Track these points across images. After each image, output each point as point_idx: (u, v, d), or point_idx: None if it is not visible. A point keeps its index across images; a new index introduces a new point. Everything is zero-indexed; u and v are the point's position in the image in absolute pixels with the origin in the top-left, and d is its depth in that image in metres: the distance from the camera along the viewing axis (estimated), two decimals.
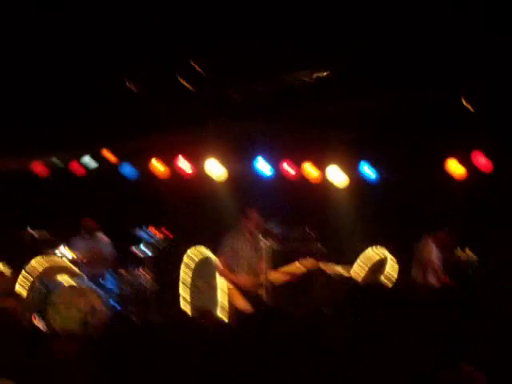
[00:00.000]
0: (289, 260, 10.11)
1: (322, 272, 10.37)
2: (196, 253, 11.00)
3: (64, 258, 10.68)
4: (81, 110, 11.29)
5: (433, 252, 10.07)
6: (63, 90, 10.88)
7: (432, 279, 10.16)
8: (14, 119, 11.24)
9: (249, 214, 9.58)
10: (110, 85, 10.89)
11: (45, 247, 11.03)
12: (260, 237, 9.60)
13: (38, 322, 9.46)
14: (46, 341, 4.81)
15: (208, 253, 10.99)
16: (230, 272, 9.57)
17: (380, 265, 11.14)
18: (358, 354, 3.98)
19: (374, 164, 12.17)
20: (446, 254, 10.27)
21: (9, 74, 10.34)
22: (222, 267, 9.64)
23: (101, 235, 10.87)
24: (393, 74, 10.27)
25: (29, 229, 11.26)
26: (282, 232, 11.06)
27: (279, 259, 9.90)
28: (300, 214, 12.07)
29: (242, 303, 9.35)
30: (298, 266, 9.71)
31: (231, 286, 9.54)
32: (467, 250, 10.94)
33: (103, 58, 10.17)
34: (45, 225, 11.45)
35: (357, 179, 12.23)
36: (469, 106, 10.68)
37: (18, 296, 10.21)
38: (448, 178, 11.59)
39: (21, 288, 10.39)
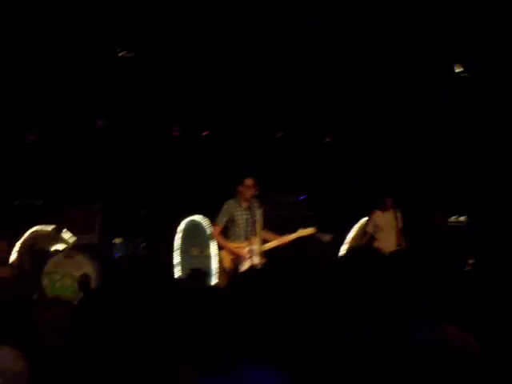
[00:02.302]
0: (283, 227, 10.15)
1: (315, 239, 10.39)
2: (190, 220, 11.04)
3: (58, 228, 10.70)
4: None
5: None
6: None
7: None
8: None
9: (244, 181, 9.58)
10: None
11: (40, 217, 11.06)
12: (255, 204, 9.60)
13: (32, 290, 9.54)
14: (38, 307, 4.81)
15: (202, 220, 11.01)
16: (225, 239, 9.59)
17: None
18: (343, 312, 4.00)
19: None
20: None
21: None
22: (217, 234, 9.66)
23: (95, 205, 10.86)
24: None
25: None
26: (276, 199, 11.09)
27: (273, 226, 9.92)
28: (293, 181, 12.07)
29: (236, 270, 9.39)
30: (295, 234, 9.74)
31: (225, 253, 9.56)
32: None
33: None
34: (41, 195, 11.45)
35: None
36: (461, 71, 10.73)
37: (12, 265, 10.26)
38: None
39: (14, 257, 10.44)
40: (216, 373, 3.48)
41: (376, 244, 10.48)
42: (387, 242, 10.54)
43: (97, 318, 3.93)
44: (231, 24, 10.34)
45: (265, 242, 9.45)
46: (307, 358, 3.77)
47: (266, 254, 9.42)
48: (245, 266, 9.37)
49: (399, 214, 10.89)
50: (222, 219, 9.56)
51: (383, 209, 10.89)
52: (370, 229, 10.87)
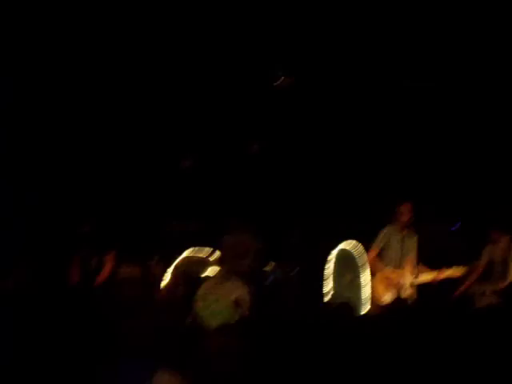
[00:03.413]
0: (438, 256, 9.95)
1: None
2: (342, 247, 10.91)
3: (212, 252, 10.85)
4: None
5: None
6: None
7: None
8: None
9: (400, 207, 9.45)
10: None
11: (194, 242, 11.24)
12: (411, 233, 9.44)
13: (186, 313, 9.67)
14: (203, 334, 4.84)
15: (355, 247, 10.87)
16: (378, 264, 9.47)
17: None
18: None
19: None
20: None
21: None
22: (372, 258, 9.54)
23: (247, 231, 10.93)
24: None
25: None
26: (431, 227, 10.83)
27: (429, 255, 9.73)
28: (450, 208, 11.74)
29: (386, 297, 9.25)
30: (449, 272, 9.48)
31: (377, 280, 9.44)
32: None
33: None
34: (196, 218, 11.66)
35: None
36: None
37: (167, 288, 10.44)
38: None
39: (168, 279, 10.63)
40: None
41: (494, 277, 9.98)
42: (505, 275, 10.06)
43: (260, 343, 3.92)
44: None
45: (417, 274, 9.27)
46: None
47: (417, 287, 9.23)
48: (394, 296, 9.22)
49: None
50: (379, 244, 9.49)
51: (494, 242, 10.36)
52: (483, 262, 10.31)
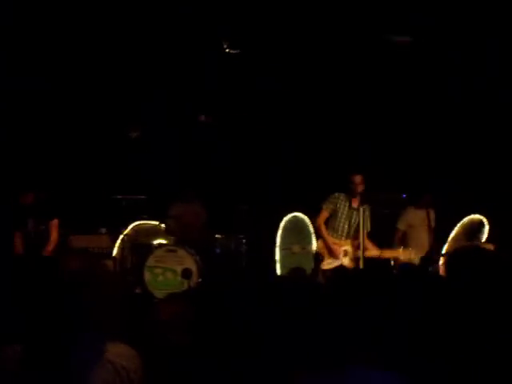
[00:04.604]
0: (385, 226, 10.03)
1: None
2: (291, 217, 10.94)
3: (160, 223, 10.80)
4: None
5: None
6: None
7: None
8: None
9: (351, 178, 9.44)
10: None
11: (142, 213, 11.17)
12: (364, 206, 9.44)
13: (135, 284, 9.65)
14: (147, 303, 4.80)
15: (304, 217, 10.89)
16: (325, 231, 9.48)
17: (475, 230, 10.80)
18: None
19: None
20: None
21: None
22: (321, 221, 9.53)
23: (196, 201, 10.91)
24: None
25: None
26: (381, 197, 10.87)
27: (377, 224, 9.78)
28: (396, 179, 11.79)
29: (328, 264, 9.32)
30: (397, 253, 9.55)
31: (321, 245, 9.47)
32: None
33: None
34: (143, 191, 11.56)
35: None
36: None
37: (114, 258, 10.39)
38: None
39: (116, 251, 10.57)
40: (318, 372, 3.38)
41: (407, 243, 10.05)
42: (419, 241, 10.14)
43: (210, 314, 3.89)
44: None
45: (362, 247, 9.27)
46: (414, 357, 3.64)
47: (359, 260, 9.26)
48: (335, 264, 9.27)
49: (433, 213, 10.42)
50: (329, 206, 9.46)
51: (418, 206, 10.42)
52: (401, 226, 10.39)
